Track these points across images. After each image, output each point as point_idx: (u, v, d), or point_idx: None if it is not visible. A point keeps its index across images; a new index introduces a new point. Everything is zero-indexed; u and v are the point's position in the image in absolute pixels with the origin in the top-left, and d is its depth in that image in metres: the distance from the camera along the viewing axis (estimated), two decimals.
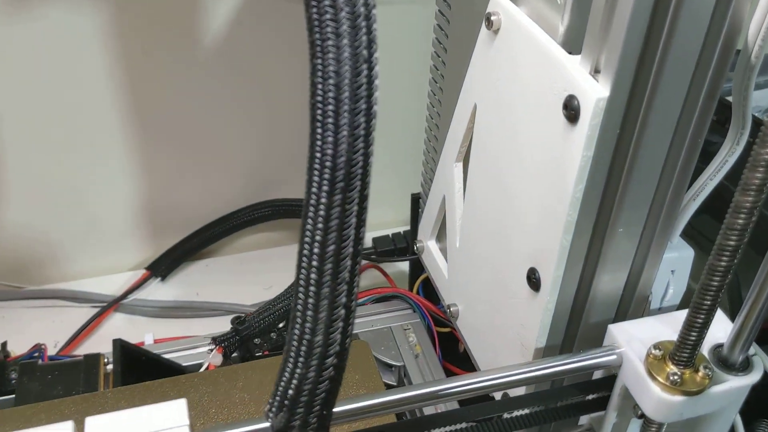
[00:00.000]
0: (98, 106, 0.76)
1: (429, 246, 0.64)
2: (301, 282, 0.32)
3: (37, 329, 0.79)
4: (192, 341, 0.69)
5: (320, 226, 0.31)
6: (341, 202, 0.31)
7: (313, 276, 0.32)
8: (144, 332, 0.76)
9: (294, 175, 0.88)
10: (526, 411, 0.48)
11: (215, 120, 0.81)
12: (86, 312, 0.83)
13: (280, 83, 0.80)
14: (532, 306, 0.46)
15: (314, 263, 0.32)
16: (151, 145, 0.81)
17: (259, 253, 0.93)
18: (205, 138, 0.82)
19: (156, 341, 0.72)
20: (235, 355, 0.66)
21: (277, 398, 0.33)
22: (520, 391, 0.48)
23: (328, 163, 0.30)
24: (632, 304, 0.46)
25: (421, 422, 0.47)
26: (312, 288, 0.32)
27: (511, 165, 0.46)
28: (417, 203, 0.69)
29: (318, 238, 0.32)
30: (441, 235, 0.64)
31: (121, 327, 0.81)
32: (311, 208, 0.31)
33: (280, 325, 0.70)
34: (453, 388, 0.43)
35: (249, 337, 0.64)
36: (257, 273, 0.89)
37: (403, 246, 0.78)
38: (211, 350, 0.62)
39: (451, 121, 0.56)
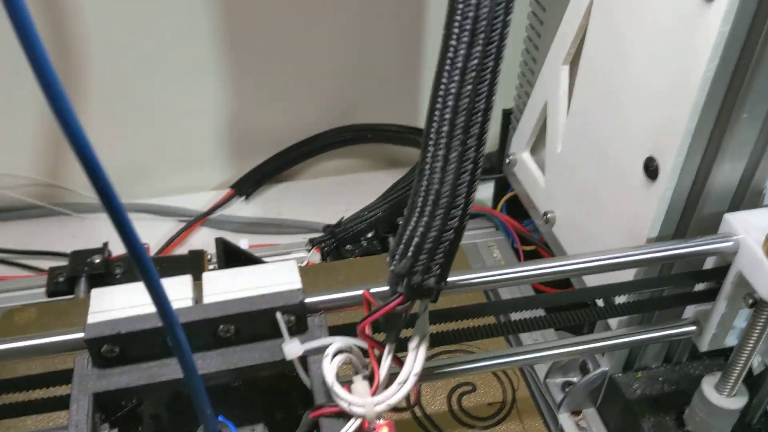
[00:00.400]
0: (189, 24, 0.77)
1: (523, 158, 0.65)
2: (432, 135, 0.33)
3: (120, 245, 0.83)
4: (286, 247, 0.71)
5: (456, 77, 0.32)
6: (480, 54, 0.31)
7: (445, 128, 0.33)
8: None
9: (377, 100, 0.89)
10: (632, 298, 0.48)
11: (303, 42, 0.82)
12: (173, 226, 0.85)
13: (371, 5, 0.80)
14: (648, 196, 0.46)
15: (447, 115, 0.33)
16: (239, 66, 0.82)
17: (338, 178, 0.94)
18: (292, 59, 0.84)
19: (251, 246, 0.74)
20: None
21: (401, 246, 0.34)
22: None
23: (470, 13, 0.31)
24: (746, 197, 0.46)
25: (517, 302, 0.48)
26: (443, 140, 0.33)
27: (635, 55, 0.46)
28: (508, 118, 0.69)
29: (453, 90, 0.32)
30: (536, 146, 0.64)
31: (208, 240, 0.84)
32: (448, 60, 0.32)
33: (369, 234, 0.71)
34: (563, 266, 0.43)
35: (342, 242, 0.66)
36: (335, 197, 0.90)
37: (487, 167, 0.78)
38: (309, 250, 0.64)
39: (558, 25, 0.56)
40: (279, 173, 0.91)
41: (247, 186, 0.89)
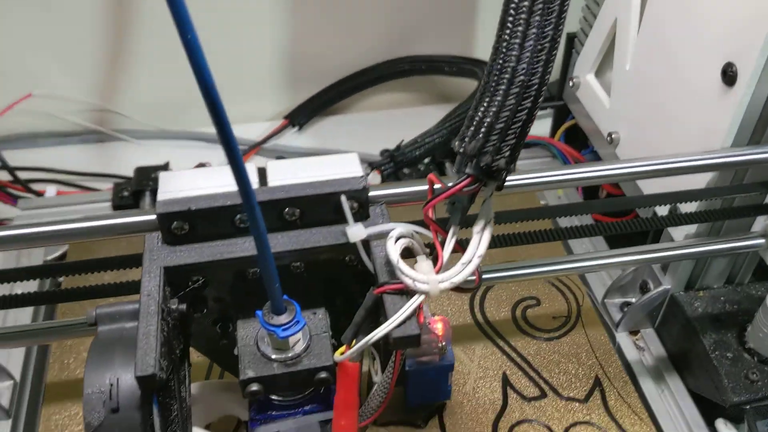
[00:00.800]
0: None
1: (587, 80, 0.63)
2: (511, 10, 0.32)
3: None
4: None
5: None
6: None
7: (525, 2, 0.32)
8: None
9: (433, 31, 0.87)
10: (700, 208, 0.47)
11: None
12: None
13: None
14: (723, 104, 0.44)
15: None
16: None
17: (391, 111, 0.94)
18: None
19: None
20: None
21: (472, 128, 0.34)
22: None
23: None
24: None
25: (576, 207, 0.47)
26: (522, 15, 0.32)
27: None
28: (571, 42, 0.67)
29: None
30: (600, 68, 0.63)
31: None
32: None
33: (426, 160, 0.71)
34: (633, 167, 0.42)
35: (401, 165, 0.66)
36: (388, 130, 0.89)
37: (546, 96, 0.76)
38: (369, 173, 0.65)
39: None
40: (332, 105, 0.91)
41: (300, 116, 0.90)
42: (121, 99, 0.87)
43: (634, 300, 0.56)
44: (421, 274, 0.34)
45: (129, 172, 0.77)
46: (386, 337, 0.34)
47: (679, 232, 0.51)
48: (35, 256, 0.64)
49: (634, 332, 0.57)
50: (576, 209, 0.47)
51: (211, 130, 0.88)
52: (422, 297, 0.34)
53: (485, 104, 0.33)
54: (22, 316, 0.58)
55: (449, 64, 0.86)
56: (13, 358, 0.55)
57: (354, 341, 0.36)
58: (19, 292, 0.46)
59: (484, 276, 0.46)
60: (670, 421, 0.51)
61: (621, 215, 0.58)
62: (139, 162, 0.84)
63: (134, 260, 0.43)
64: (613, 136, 0.58)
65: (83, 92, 0.85)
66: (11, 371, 0.53)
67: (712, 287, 0.54)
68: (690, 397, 0.53)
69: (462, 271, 0.34)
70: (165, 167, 0.72)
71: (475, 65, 0.82)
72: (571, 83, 0.65)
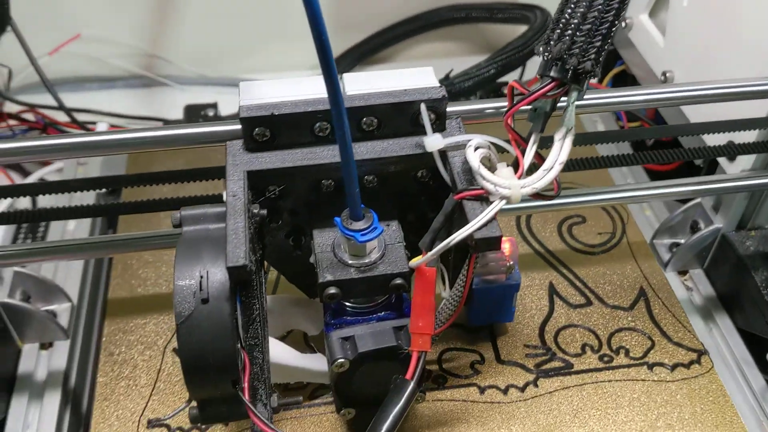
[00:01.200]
0: None
1: (641, 20, 0.63)
2: None
3: (229, 110, 0.85)
4: None
5: None
6: None
7: None
8: None
9: None
10: (759, 138, 0.47)
11: None
12: None
13: None
14: None
15: None
16: None
17: (436, 61, 0.93)
18: None
19: None
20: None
21: (558, 30, 0.34)
22: None
23: None
24: None
25: (627, 133, 0.47)
26: None
27: None
28: None
29: None
30: (653, 9, 0.63)
31: None
32: None
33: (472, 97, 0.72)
34: (687, 91, 0.43)
35: (448, 95, 0.67)
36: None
37: None
38: None
39: None
40: (376, 53, 0.91)
41: (344, 65, 0.90)
42: (166, 44, 0.88)
43: (683, 241, 0.56)
44: (502, 179, 0.35)
45: (174, 116, 0.78)
46: (467, 239, 0.35)
47: (733, 168, 0.51)
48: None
49: (682, 273, 0.58)
50: (623, 135, 0.47)
51: (255, 77, 0.88)
52: (503, 201, 0.35)
53: (572, 6, 0.34)
54: (79, 233, 0.60)
55: (499, 10, 0.85)
56: (71, 278, 0.56)
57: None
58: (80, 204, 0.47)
59: (533, 204, 0.46)
60: (719, 356, 0.52)
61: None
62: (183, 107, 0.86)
63: (198, 174, 0.44)
64: (667, 74, 0.58)
65: (129, 36, 0.86)
66: (69, 292, 0.55)
67: (764, 227, 0.54)
68: (738, 335, 0.54)
69: (544, 177, 0.35)
70: (214, 106, 0.72)
71: (527, 10, 0.81)
72: (624, 24, 0.65)
